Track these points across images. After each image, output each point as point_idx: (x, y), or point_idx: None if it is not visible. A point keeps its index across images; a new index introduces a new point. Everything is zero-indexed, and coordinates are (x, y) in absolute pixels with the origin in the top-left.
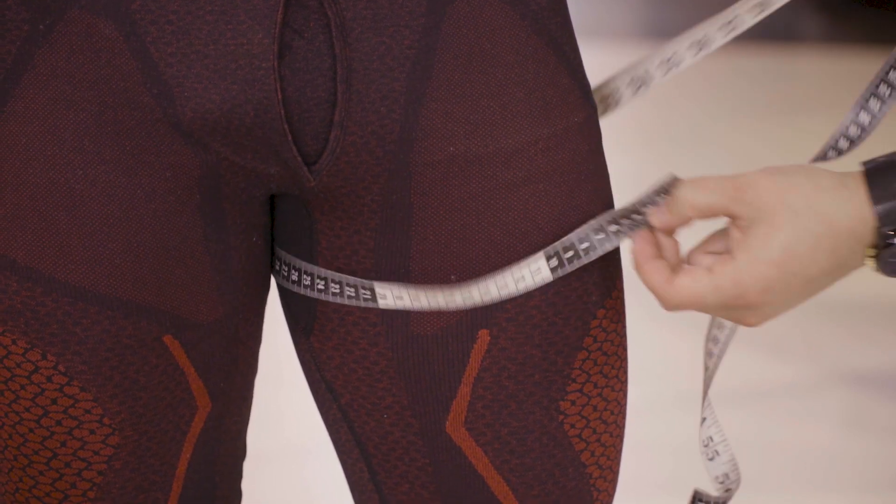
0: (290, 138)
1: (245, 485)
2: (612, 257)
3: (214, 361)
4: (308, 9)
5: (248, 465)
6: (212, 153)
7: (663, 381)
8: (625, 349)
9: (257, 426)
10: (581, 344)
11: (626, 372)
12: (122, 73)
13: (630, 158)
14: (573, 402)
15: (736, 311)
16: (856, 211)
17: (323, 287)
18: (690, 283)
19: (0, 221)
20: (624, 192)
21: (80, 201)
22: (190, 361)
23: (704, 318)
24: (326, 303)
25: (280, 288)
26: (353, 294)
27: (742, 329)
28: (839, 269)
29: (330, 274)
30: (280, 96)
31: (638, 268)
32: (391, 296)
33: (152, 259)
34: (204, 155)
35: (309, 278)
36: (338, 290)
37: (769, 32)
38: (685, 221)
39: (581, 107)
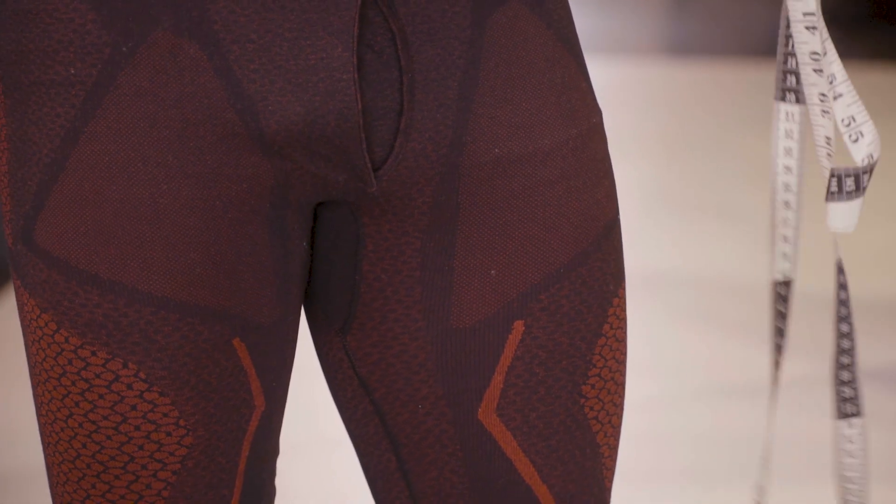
0: (364, 146)
1: (279, 475)
2: (621, 250)
3: (270, 362)
4: (375, 24)
5: (281, 457)
6: (287, 163)
7: (682, 376)
8: (626, 339)
9: (290, 419)
10: (601, 330)
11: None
12: (206, 91)
13: (652, 164)
14: (593, 386)
15: None
16: None
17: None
18: None
19: (81, 238)
20: (647, 197)
21: (164, 214)
22: (252, 362)
23: (718, 316)
24: (367, 303)
25: (310, 290)
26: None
27: (754, 328)
28: None
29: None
30: (360, 106)
31: None
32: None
33: (227, 266)
34: (280, 165)
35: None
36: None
37: None
38: None
39: (595, 110)
